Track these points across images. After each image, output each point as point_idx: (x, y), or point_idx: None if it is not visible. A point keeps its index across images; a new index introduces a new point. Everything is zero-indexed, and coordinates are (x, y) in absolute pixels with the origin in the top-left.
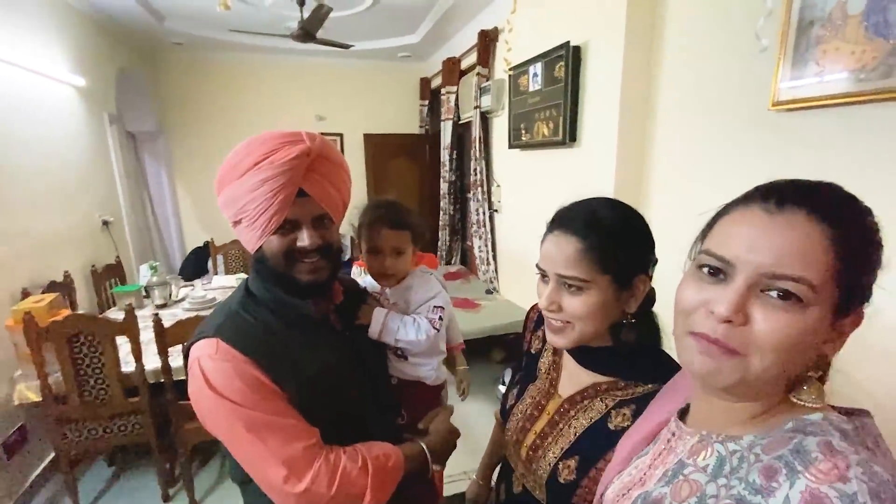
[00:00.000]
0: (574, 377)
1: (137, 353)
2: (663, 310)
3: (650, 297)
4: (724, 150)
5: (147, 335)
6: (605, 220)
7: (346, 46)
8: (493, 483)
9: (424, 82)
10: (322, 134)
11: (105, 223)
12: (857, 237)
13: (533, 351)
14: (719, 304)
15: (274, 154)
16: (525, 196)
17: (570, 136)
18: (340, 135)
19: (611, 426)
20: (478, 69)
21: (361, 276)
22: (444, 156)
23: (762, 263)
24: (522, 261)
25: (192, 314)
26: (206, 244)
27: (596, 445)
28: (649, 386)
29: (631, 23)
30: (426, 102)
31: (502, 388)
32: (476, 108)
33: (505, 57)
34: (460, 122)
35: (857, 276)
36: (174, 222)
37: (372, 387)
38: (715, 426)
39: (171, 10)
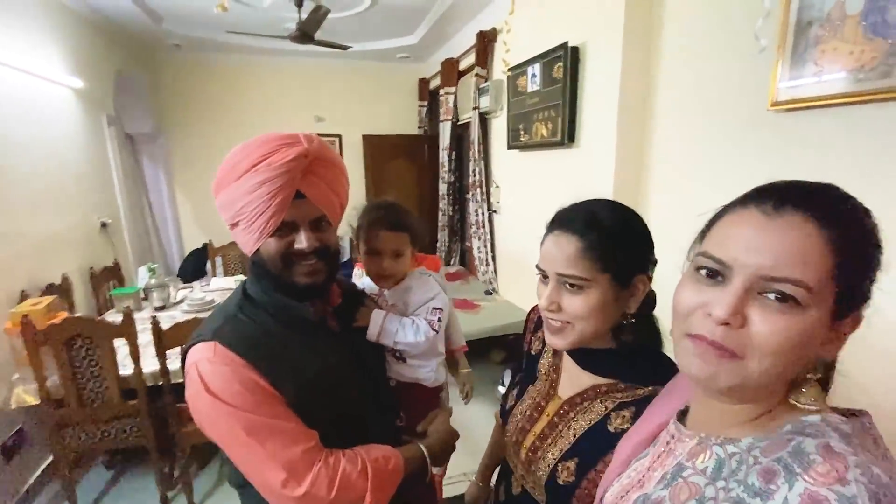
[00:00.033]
0: (574, 379)
1: (136, 355)
2: (661, 311)
3: (650, 299)
4: (722, 151)
5: (145, 337)
6: (604, 220)
7: (345, 47)
8: (492, 484)
9: (423, 83)
10: (321, 135)
11: (103, 225)
12: (855, 239)
13: (533, 352)
14: (717, 307)
15: (271, 156)
16: (524, 197)
17: (568, 136)
18: (339, 136)
19: (610, 428)
20: (476, 70)
21: (362, 277)
22: (443, 157)
23: (760, 266)
24: (521, 262)
25: (191, 316)
26: (205, 246)
27: (595, 447)
28: (649, 388)
29: (629, 23)
30: (425, 103)
31: (502, 389)
32: (475, 108)
33: (503, 58)
34: (459, 122)
35: (855, 277)
36: (173, 224)
37: (371, 389)
38: (714, 428)
39: (168, 12)
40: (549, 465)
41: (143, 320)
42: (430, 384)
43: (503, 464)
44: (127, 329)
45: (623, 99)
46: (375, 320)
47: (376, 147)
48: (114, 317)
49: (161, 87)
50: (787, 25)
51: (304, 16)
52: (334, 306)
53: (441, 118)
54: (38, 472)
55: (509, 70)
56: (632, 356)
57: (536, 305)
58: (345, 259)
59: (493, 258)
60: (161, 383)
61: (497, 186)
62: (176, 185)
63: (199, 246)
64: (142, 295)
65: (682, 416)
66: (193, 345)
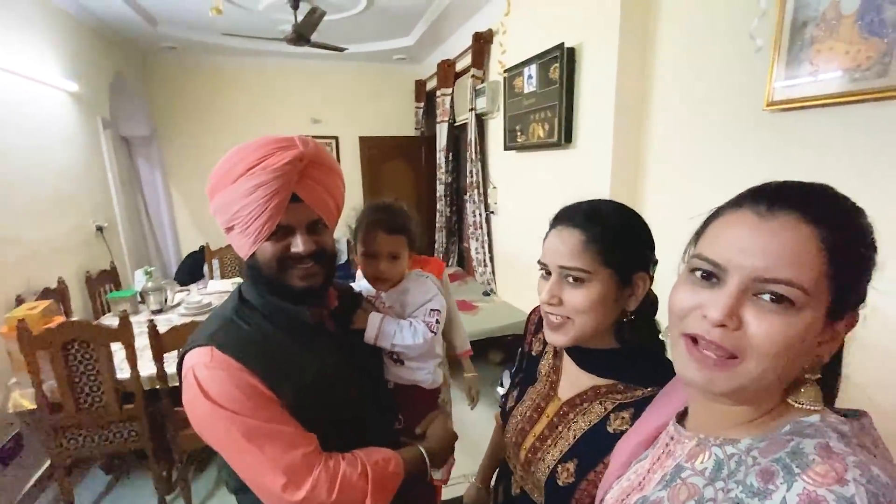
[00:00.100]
0: (574, 380)
1: (132, 359)
2: (659, 311)
3: (651, 300)
4: (719, 151)
5: (142, 341)
6: (607, 216)
7: (341, 49)
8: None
9: (419, 84)
10: (317, 137)
11: (99, 228)
12: (849, 239)
13: (534, 353)
14: (712, 309)
15: (267, 159)
16: (521, 198)
17: (565, 137)
18: (336, 138)
19: (609, 429)
20: (472, 71)
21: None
22: (440, 158)
23: (754, 267)
24: (519, 262)
25: (188, 319)
26: (202, 248)
27: (595, 448)
28: (648, 389)
29: (625, 24)
30: (421, 105)
31: (500, 390)
32: (471, 110)
33: (499, 59)
34: (456, 124)
35: (849, 278)
36: (169, 227)
37: (369, 391)
38: (713, 429)
39: (163, 15)
40: (548, 467)
41: (139, 324)
42: (428, 386)
43: (502, 465)
44: (124, 333)
45: (619, 99)
46: (373, 323)
47: (373, 149)
48: (110, 320)
49: (156, 90)
50: (783, 25)
51: (300, 18)
52: (331, 309)
53: (438, 119)
54: (36, 476)
55: (505, 71)
56: (632, 357)
57: (537, 307)
58: (342, 261)
59: (491, 259)
60: (158, 387)
61: (494, 187)
62: (172, 188)
63: (196, 249)
64: (138, 298)
65: (682, 417)
66: (190, 349)
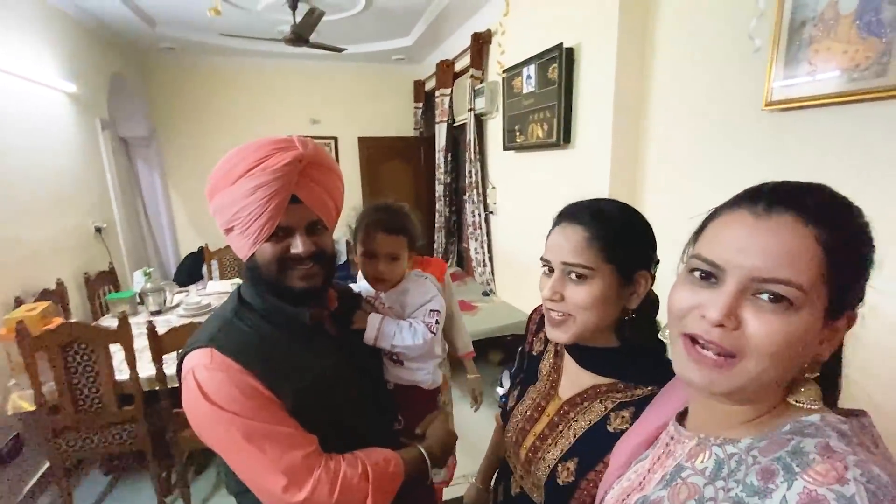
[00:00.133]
0: (574, 379)
1: (132, 360)
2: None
3: (652, 299)
4: (718, 151)
5: (142, 342)
6: (610, 213)
7: (340, 50)
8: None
9: (418, 85)
10: (316, 137)
11: (98, 230)
12: (846, 238)
13: (535, 353)
14: (711, 309)
15: (266, 160)
16: (520, 198)
17: (564, 137)
18: (335, 138)
19: (610, 428)
20: (471, 71)
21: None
22: (439, 158)
23: (752, 267)
24: (519, 262)
25: (187, 320)
26: (201, 249)
27: (595, 447)
28: (649, 388)
29: (624, 24)
30: (420, 105)
31: (500, 391)
32: (470, 110)
33: (498, 59)
34: (455, 124)
35: (847, 277)
36: (168, 228)
37: (369, 392)
38: (713, 429)
39: (162, 16)
40: (549, 466)
41: (138, 325)
42: (427, 386)
43: (502, 464)
44: (122, 334)
45: (618, 99)
46: (372, 323)
47: (372, 149)
48: (109, 322)
49: (155, 91)
50: (781, 25)
51: (299, 18)
52: (331, 310)
53: (437, 120)
54: (36, 478)
55: (504, 71)
56: (632, 355)
57: (538, 307)
58: (341, 261)
59: (490, 259)
60: (158, 388)
61: (493, 187)
62: (171, 189)
63: (195, 249)
64: (137, 300)
65: (682, 417)
66: (189, 351)
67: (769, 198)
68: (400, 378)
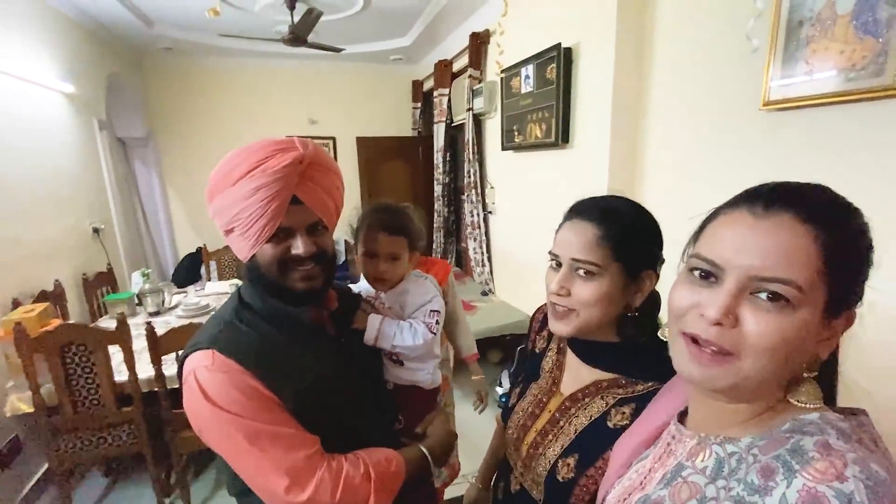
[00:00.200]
0: (577, 375)
1: (130, 361)
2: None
3: (654, 297)
4: (716, 150)
5: (140, 343)
6: (621, 212)
7: (338, 50)
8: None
9: (417, 85)
10: (314, 137)
11: (96, 230)
12: (844, 238)
13: (537, 350)
14: (710, 308)
15: (267, 161)
16: (519, 198)
17: (562, 137)
18: (333, 138)
19: (610, 424)
20: (470, 71)
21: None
22: (438, 158)
23: (750, 266)
24: (517, 262)
25: (186, 321)
26: (199, 250)
27: (595, 444)
28: (650, 384)
29: (622, 24)
30: (419, 105)
31: (499, 390)
32: (468, 110)
33: (497, 59)
34: (453, 124)
35: (845, 276)
36: (166, 228)
37: (370, 392)
38: (713, 428)
39: (160, 16)
40: (549, 462)
41: (137, 326)
42: (427, 386)
43: (503, 462)
44: (121, 335)
45: (616, 99)
46: (373, 324)
47: (371, 149)
48: (108, 323)
49: (153, 91)
50: (779, 25)
51: (297, 18)
52: (331, 311)
53: (435, 120)
54: (35, 480)
55: (503, 71)
56: (635, 351)
57: (542, 306)
58: (340, 262)
59: (489, 259)
60: (156, 389)
61: (492, 187)
62: (169, 189)
63: (193, 250)
64: (136, 300)
65: (682, 416)
66: (190, 353)
67: (768, 198)
68: (400, 378)
